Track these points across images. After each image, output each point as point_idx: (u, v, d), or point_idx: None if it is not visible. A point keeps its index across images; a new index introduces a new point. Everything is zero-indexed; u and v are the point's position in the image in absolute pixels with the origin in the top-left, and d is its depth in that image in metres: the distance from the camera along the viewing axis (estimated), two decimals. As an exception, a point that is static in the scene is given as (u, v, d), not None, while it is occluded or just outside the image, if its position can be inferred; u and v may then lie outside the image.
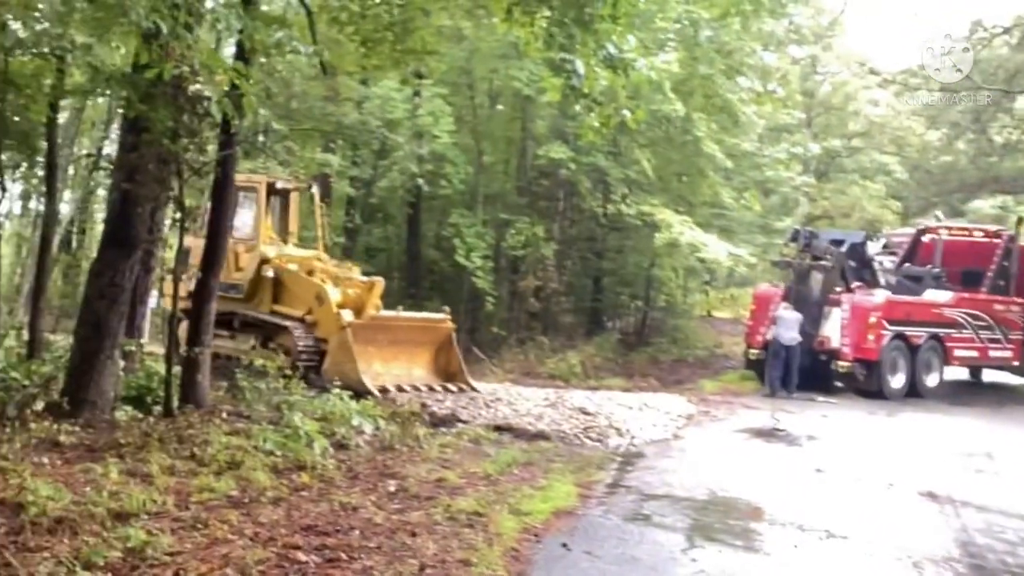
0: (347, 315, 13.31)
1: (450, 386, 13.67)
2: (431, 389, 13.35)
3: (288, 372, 12.16)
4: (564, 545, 6.37)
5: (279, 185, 15.37)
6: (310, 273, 14.36)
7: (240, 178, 15.12)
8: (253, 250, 14.66)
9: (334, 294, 13.73)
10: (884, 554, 6.70)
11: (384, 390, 12.60)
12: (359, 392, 11.81)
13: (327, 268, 14.68)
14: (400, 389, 12.87)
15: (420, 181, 19.82)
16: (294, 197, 15.85)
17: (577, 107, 9.78)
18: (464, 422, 11.11)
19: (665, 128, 20.42)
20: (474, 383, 14.21)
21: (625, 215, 21.19)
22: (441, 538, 6.21)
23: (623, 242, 24.23)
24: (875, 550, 6.79)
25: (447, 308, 15.26)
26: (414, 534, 6.23)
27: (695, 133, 20.21)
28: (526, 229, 20.85)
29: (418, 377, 13.74)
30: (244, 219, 14.92)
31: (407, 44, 10.34)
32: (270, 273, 14.33)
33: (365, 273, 15.38)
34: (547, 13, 8.49)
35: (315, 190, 16.09)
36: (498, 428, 10.81)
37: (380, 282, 14.36)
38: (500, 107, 24.53)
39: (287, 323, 13.86)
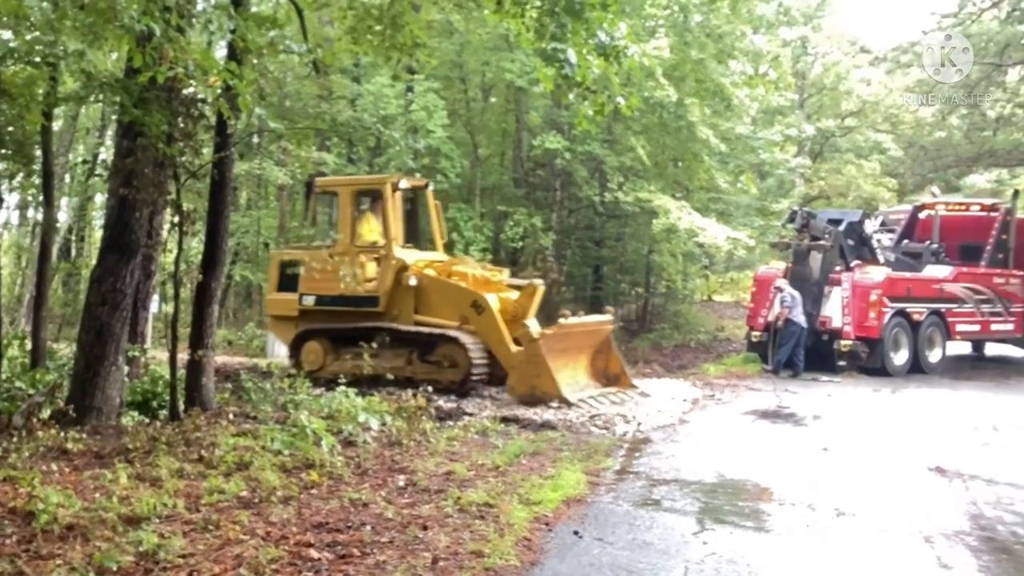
0: (535, 325, 12.42)
1: (623, 391, 12.83)
2: (620, 398, 12.46)
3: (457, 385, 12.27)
4: (576, 533, 6.37)
5: (402, 185, 14.30)
6: (450, 278, 13.52)
7: (358, 180, 14.51)
8: (383, 257, 13.69)
9: (493, 301, 12.93)
10: (895, 530, 6.71)
11: (584, 402, 11.85)
12: (558, 405, 11.46)
13: (473, 272, 13.65)
14: (584, 402, 11.88)
15: (417, 176, 19.78)
16: (398, 197, 14.36)
17: (571, 96, 9.74)
18: (470, 414, 11.12)
19: (659, 114, 20.41)
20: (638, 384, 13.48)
21: (622, 202, 21.19)
22: (452, 530, 6.22)
23: (621, 230, 24.28)
24: (886, 526, 6.80)
25: (611, 308, 14.65)
26: (425, 527, 6.24)
27: (688, 118, 20.20)
28: (524, 220, 20.86)
29: (583, 383, 12.86)
30: (369, 225, 14.17)
31: (397, 39, 10.31)
32: (412, 281, 13.34)
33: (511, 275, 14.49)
34: (537, 3, 8.47)
35: (431, 188, 15.00)
36: (504, 419, 10.81)
37: (541, 287, 13.49)
38: (493, 99, 24.55)
39: (451, 333, 12.95)
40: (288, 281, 14.05)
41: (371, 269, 13.68)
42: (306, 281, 14.00)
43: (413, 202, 15.08)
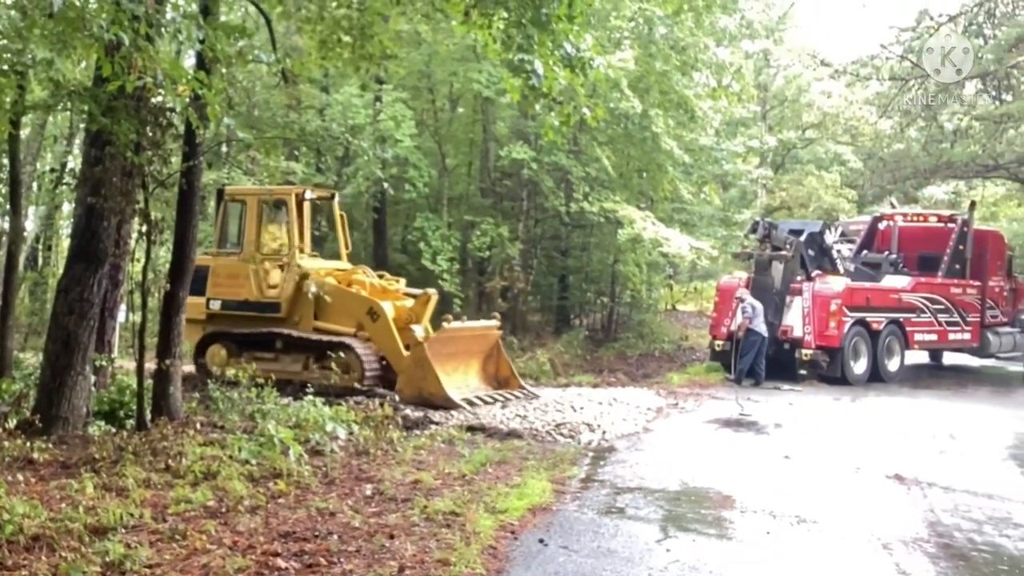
0: (419, 330, 13.15)
1: (512, 392, 13.37)
2: (505, 397, 13.03)
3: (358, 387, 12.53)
4: (541, 541, 6.45)
5: (307, 195, 14.81)
6: (349, 286, 14.10)
7: (264, 190, 14.82)
8: (286, 265, 14.15)
9: (388, 309, 13.47)
10: (854, 537, 6.86)
11: (471, 403, 12.37)
12: (441, 407, 11.86)
13: (371, 281, 14.32)
14: (471, 403, 12.42)
15: (385, 185, 19.80)
16: (306, 207, 14.89)
17: (537, 107, 9.85)
18: (437, 423, 11.17)
19: (624, 125, 20.62)
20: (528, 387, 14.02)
21: (588, 213, 21.32)
22: (419, 539, 6.28)
23: (587, 240, 24.40)
24: (845, 533, 6.95)
25: (497, 314, 15.21)
26: (392, 536, 6.30)
27: (653, 129, 20.40)
28: (491, 230, 20.93)
29: (474, 386, 13.39)
30: (273, 233, 14.60)
31: (366, 49, 10.36)
32: (312, 289, 13.77)
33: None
34: (504, 14, 8.56)
35: (337, 199, 15.54)
36: (471, 428, 10.87)
37: (434, 296, 14.14)
38: (461, 109, 24.63)
39: (346, 340, 13.45)
40: (197, 285, 14.25)
41: (275, 276, 14.23)
42: (213, 286, 14.41)
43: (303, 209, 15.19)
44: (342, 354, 13.10)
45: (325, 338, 13.65)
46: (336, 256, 15.53)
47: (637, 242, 20.50)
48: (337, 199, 15.57)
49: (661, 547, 6.47)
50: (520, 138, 21.43)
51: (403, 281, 15.08)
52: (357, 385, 12.92)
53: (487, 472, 8.65)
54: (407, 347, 13.06)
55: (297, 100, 20.01)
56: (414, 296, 14.18)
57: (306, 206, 14.79)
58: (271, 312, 14.00)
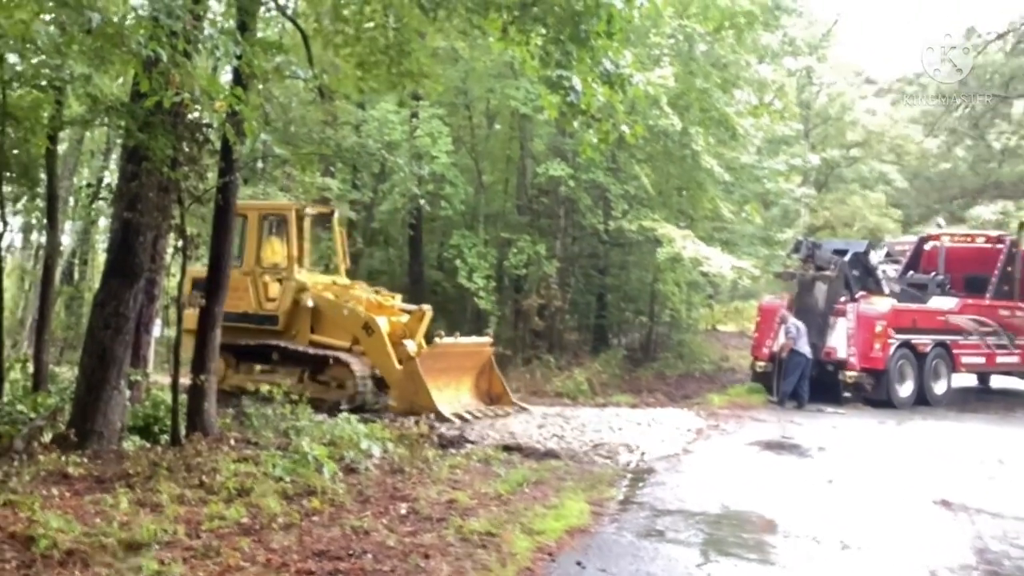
0: (411, 345, 13.36)
1: (504, 409, 13.66)
2: (496, 414, 13.29)
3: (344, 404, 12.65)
4: (578, 563, 6.33)
5: (308, 211, 15.10)
6: (347, 301, 14.24)
7: (266, 205, 15.23)
8: (284, 279, 14.42)
9: (383, 324, 13.66)
10: (900, 564, 6.66)
11: (461, 417, 12.62)
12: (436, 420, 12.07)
13: (368, 296, 14.54)
14: (461, 417, 12.67)
15: (421, 202, 19.78)
16: (306, 222, 15.25)
17: (575, 124, 9.73)
18: (472, 443, 11.06)
19: (663, 143, 20.40)
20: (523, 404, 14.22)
21: (626, 231, 21.13)
22: (454, 559, 6.17)
23: (625, 258, 24.21)
24: (891, 560, 6.75)
25: (490, 331, 15.48)
26: (427, 556, 6.19)
27: (693, 147, 20.18)
28: (528, 248, 20.80)
29: (466, 402, 13.63)
30: (274, 247, 14.85)
31: (403, 67, 10.34)
32: (309, 303, 14.04)
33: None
34: (542, 31, 8.49)
35: (337, 215, 15.90)
36: (507, 448, 10.76)
37: (428, 312, 14.38)
38: (498, 126, 24.57)
39: (340, 355, 13.68)
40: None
41: (274, 290, 14.48)
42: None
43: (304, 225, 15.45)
44: (336, 370, 13.56)
45: (321, 352, 13.88)
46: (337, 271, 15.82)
47: (677, 261, 20.26)
48: (336, 215, 15.94)
49: (702, 571, 6.31)
50: (557, 155, 21.31)
51: (399, 297, 15.38)
52: (344, 405, 13.04)
53: (524, 492, 8.53)
54: (400, 361, 13.28)
55: (333, 116, 20.03)
56: (409, 312, 14.48)
57: (306, 222, 15.10)
58: (269, 324, 14.25)
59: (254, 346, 14.18)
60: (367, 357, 13.72)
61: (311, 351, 13.98)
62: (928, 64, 21.97)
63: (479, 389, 14.19)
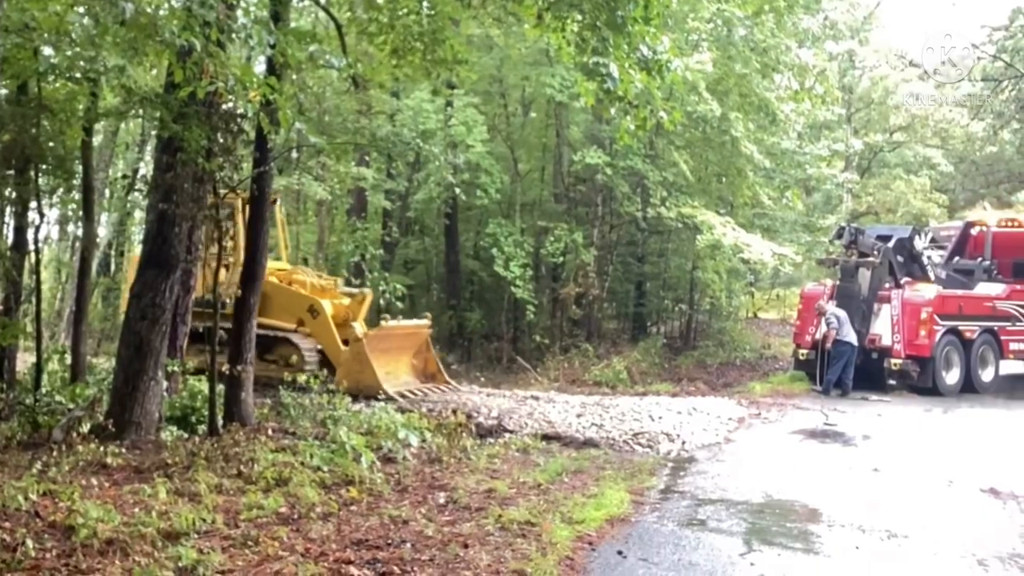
0: (358, 327, 13.98)
1: (439, 387, 14.38)
2: (432, 391, 14.00)
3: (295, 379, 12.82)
4: (619, 552, 6.25)
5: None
6: (290, 285, 14.91)
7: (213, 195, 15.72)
8: (231, 265, 14.54)
9: (327, 307, 14.35)
10: (948, 553, 6.51)
11: (403, 395, 13.24)
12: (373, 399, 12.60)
13: (311, 280, 15.22)
14: (403, 395, 13.31)
15: (456, 191, 19.73)
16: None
17: (612, 111, 9.58)
18: (511, 432, 11.00)
19: (702, 129, 20.17)
20: (453, 382, 15.05)
21: (665, 218, 20.93)
22: (494, 549, 6.12)
23: (664, 245, 24.03)
24: (938, 549, 6.61)
25: (429, 314, 16.13)
26: (466, 545, 6.15)
27: (732, 133, 19.92)
28: (565, 236, 20.69)
29: (405, 380, 14.25)
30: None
31: (437, 54, 10.26)
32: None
33: (355, 284, 16.18)
34: (578, 17, 8.35)
35: (279, 204, 16.29)
36: (546, 437, 10.69)
37: (370, 295, 15.23)
38: (533, 114, 24.44)
39: (288, 335, 14.27)
40: None
41: (221, 275, 14.66)
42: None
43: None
44: (284, 349, 14.12)
45: (268, 332, 14.12)
46: (283, 257, 16.44)
47: (716, 248, 20.04)
48: (279, 203, 16.23)
49: (745, 561, 6.20)
50: (594, 143, 21.16)
51: (340, 280, 16.13)
52: (291, 376, 13.34)
53: (563, 482, 8.46)
54: (345, 342, 13.93)
55: (368, 105, 20.01)
56: (351, 295, 15.19)
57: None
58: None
59: (203, 330, 14.59)
60: (312, 338, 14.31)
61: (259, 332, 14.31)
62: (929, 64, 21.55)
63: (415, 368, 14.82)
